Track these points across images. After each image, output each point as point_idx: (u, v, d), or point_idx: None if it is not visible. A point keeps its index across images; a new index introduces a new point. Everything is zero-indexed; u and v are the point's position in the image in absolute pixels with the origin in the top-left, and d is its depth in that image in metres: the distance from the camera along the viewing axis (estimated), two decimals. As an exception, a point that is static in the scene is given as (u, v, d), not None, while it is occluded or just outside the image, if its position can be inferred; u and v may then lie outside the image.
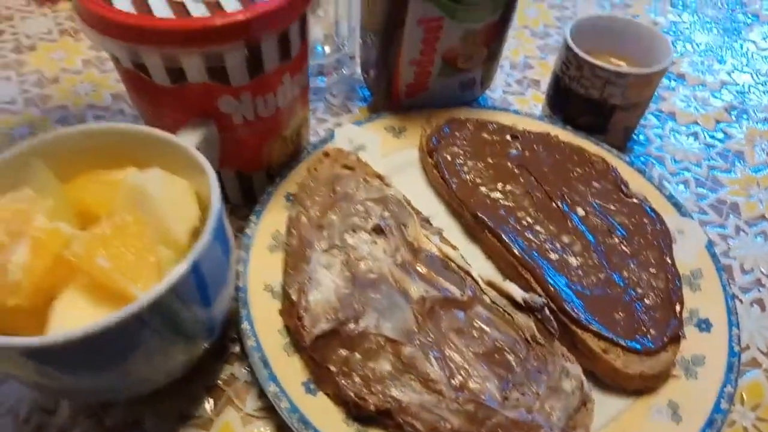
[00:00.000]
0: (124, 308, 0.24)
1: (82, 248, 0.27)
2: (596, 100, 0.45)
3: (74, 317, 0.26)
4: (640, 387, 0.33)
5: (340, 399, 0.31)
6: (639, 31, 0.48)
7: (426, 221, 0.38)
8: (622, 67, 0.43)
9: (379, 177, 0.41)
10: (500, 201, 0.40)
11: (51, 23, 0.61)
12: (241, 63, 0.33)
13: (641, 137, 0.52)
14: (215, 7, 0.32)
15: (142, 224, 0.28)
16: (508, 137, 0.45)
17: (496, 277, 0.36)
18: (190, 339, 0.30)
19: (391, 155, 0.47)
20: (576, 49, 0.44)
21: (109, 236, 0.27)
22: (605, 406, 0.33)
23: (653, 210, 0.40)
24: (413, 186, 0.44)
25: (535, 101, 0.55)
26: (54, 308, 0.27)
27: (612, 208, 0.40)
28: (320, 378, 0.32)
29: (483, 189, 0.41)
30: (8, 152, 0.30)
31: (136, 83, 0.35)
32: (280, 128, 0.40)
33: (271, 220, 0.40)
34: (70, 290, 0.27)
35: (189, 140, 0.33)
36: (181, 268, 0.26)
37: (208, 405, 0.33)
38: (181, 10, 0.31)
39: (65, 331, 0.24)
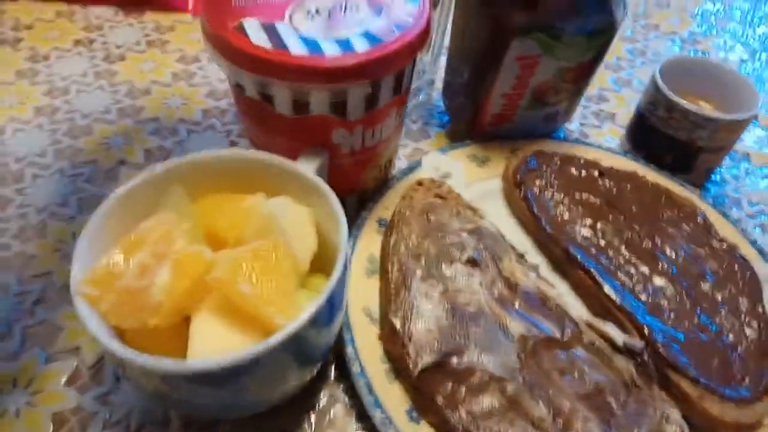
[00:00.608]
0: (273, 338, 0.26)
1: (225, 273, 0.28)
2: (683, 141, 0.46)
3: (212, 340, 0.28)
4: (734, 434, 0.34)
5: (443, 429, 0.32)
6: (726, 76, 0.49)
7: (521, 257, 0.39)
8: (714, 111, 0.44)
9: (472, 209, 0.42)
10: (591, 239, 0.41)
11: (139, 34, 0.63)
12: (361, 99, 0.35)
13: (717, 177, 0.53)
14: (345, 45, 0.33)
15: (281, 252, 0.29)
16: (596, 173, 0.46)
17: (590, 316, 0.37)
18: (309, 362, 0.31)
19: (474, 184, 0.48)
20: (667, 92, 0.45)
21: (250, 262, 0.29)
22: (698, 451, 0.34)
23: (743, 257, 0.41)
24: (497, 216, 0.45)
25: (612, 135, 0.56)
26: (193, 330, 0.28)
27: (702, 252, 0.41)
28: (424, 407, 0.33)
29: (573, 225, 0.42)
30: (148, 175, 0.32)
31: (257, 111, 0.36)
32: (379, 157, 0.42)
33: (366, 244, 0.41)
34: (204, 311, 0.29)
35: (308, 168, 0.35)
36: (322, 298, 0.27)
37: (309, 426, 0.35)
38: (314, 46, 0.33)
39: (217, 358, 0.25)
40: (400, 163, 0.52)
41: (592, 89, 0.61)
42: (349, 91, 0.34)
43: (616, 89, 0.62)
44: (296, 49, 0.32)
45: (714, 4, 0.81)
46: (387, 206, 0.44)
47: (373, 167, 0.43)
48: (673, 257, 0.40)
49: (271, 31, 0.33)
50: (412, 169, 0.47)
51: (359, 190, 0.44)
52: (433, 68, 0.58)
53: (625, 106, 0.59)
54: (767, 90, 0.65)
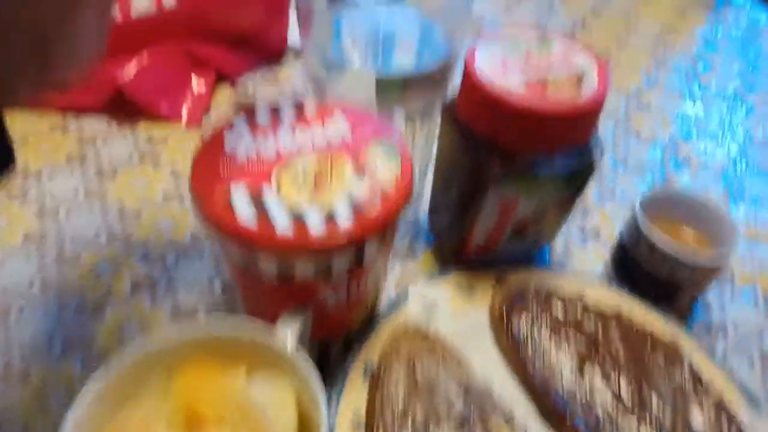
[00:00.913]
0: None
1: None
2: (664, 279, 0.47)
3: None
4: None
5: None
6: (704, 208, 0.50)
7: (510, 419, 0.39)
8: (692, 253, 0.45)
9: (458, 360, 0.42)
10: (578, 389, 0.41)
11: (131, 147, 0.64)
12: (346, 263, 0.35)
13: (702, 301, 0.53)
14: (330, 216, 0.33)
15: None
16: (580, 310, 0.46)
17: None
18: None
19: (461, 316, 0.48)
20: (647, 233, 0.46)
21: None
22: None
23: (730, 412, 0.41)
24: (485, 355, 0.45)
25: (596, 256, 0.57)
26: None
27: (688, 403, 0.40)
28: None
29: (560, 372, 0.42)
30: (125, 358, 0.31)
31: (244, 277, 0.37)
32: (366, 300, 0.42)
33: (351, 398, 0.40)
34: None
35: (289, 332, 0.35)
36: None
37: None
38: (298, 218, 0.33)
39: None
40: (388, 285, 0.52)
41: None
42: (333, 259, 0.34)
43: (599, 204, 0.63)
44: (280, 220, 0.33)
45: (693, 103, 0.83)
46: (373, 348, 0.44)
47: (360, 309, 0.43)
48: (660, 409, 0.40)
49: (258, 202, 0.34)
50: (399, 302, 0.47)
51: (346, 331, 0.44)
52: (421, 185, 0.59)
53: (608, 224, 0.60)
54: (749, 198, 0.66)
